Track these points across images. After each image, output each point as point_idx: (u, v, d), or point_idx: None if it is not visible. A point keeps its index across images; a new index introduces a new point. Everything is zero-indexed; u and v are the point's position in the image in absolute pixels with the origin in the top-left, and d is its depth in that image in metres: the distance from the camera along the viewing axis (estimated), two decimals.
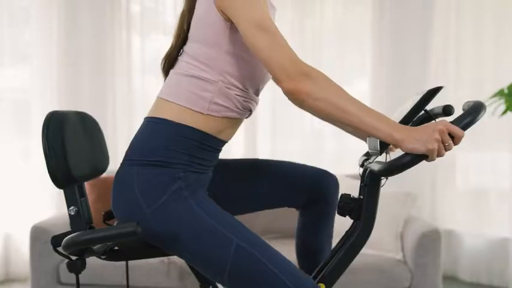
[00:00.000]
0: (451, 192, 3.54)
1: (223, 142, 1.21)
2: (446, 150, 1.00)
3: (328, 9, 3.73)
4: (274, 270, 1.05)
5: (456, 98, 3.40)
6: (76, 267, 1.03)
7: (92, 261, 2.27)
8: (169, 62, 1.22)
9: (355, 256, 1.20)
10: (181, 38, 1.19)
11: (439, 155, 1.00)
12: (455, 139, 1.00)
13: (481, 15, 3.40)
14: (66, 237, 0.99)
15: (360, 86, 3.76)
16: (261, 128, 3.59)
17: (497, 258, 3.30)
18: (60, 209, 3.50)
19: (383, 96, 3.57)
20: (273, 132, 3.61)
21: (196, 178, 1.15)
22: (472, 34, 3.43)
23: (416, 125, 1.19)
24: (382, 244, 2.43)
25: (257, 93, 1.24)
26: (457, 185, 3.53)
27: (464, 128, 1.00)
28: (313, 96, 1.03)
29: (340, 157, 3.54)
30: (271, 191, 1.37)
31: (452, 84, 3.46)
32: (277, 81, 1.07)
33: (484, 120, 2.79)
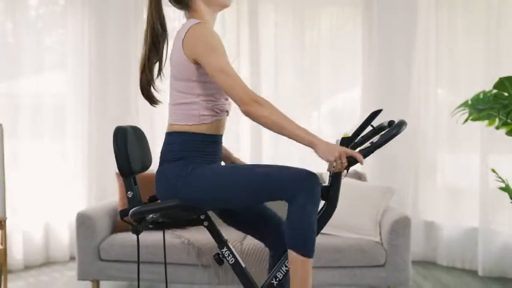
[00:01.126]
0: (431, 189, 4.00)
1: (218, 135, 1.76)
2: (342, 166, 1.53)
3: (323, 27, 4.20)
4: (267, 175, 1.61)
5: (436, 98, 3.93)
6: (138, 230, 1.55)
7: (129, 242, 2.78)
8: (146, 92, 1.78)
9: (326, 222, 1.68)
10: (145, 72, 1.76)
11: (338, 168, 1.53)
12: (357, 160, 1.53)
13: (455, 32, 3.86)
14: (132, 209, 1.50)
15: (353, 93, 4.21)
16: (265, 134, 4.06)
17: (468, 246, 3.76)
18: (90, 202, 4.03)
19: (372, 102, 4.02)
20: (275, 138, 4.07)
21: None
22: (448, 48, 3.89)
23: (368, 137, 1.69)
24: (363, 229, 2.91)
25: (227, 99, 1.78)
26: (436, 182, 3.99)
27: (365, 155, 1.52)
28: (259, 115, 1.55)
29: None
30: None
31: (432, 89, 3.95)
32: (237, 105, 1.60)
33: (459, 126, 3.30)
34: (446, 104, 3.88)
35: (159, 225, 1.69)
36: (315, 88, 4.17)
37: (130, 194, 1.65)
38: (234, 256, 1.72)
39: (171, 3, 1.80)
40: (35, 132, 3.87)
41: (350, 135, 1.63)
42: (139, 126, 3.94)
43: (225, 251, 1.73)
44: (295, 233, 1.57)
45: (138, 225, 1.56)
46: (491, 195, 3.52)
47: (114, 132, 1.63)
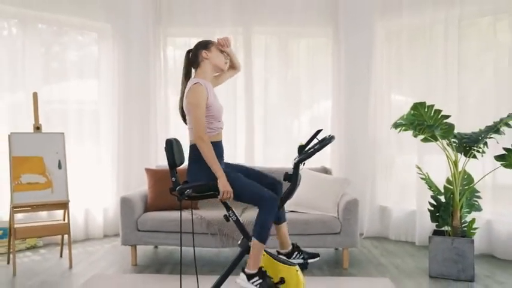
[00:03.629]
0: (385, 181, 5.12)
1: (219, 141, 2.79)
2: (224, 195, 2.61)
3: (302, 53, 5.35)
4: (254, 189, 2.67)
5: (389, 112, 5.04)
6: (181, 197, 2.67)
7: (156, 218, 3.90)
8: (181, 113, 2.86)
9: (290, 197, 2.79)
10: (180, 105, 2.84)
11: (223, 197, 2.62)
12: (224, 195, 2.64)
13: (401, 55, 4.96)
14: (178, 187, 2.63)
15: (325, 105, 5.36)
16: (257, 140, 5.20)
17: (409, 224, 4.91)
18: (119, 193, 5.13)
19: (340, 111, 5.16)
20: (265, 144, 5.24)
21: None
22: (396, 68, 5.01)
23: (314, 149, 2.80)
24: (326, 208, 4.05)
25: (219, 121, 2.79)
26: (388, 176, 5.10)
27: (304, 159, 2.66)
28: (199, 145, 2.61)
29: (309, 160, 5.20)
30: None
31: (386, 106, 5.07)
32: (194, 135, 2.64)
33: (405, 134, 4.39)
34: (396, 116, 5.02)
35: (189, 198, 2.79)
36: (296, 100, 5.32)
37: (173, 179, 2.76)
38: (235, 215, 2.83)
39: (190, 64, 2.87)
40: (77, 136, 4.97)
41: (304, 144, 2.76)
42: (156, 130, 5.14)
43: (230, 213, 2.84)
44: (257, 228, 2.64)
45: (180, 196, 2.68)
46: (425, 186, 4.65)
47: (166, 141, 2.74)
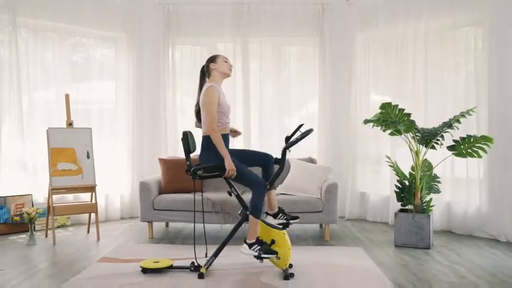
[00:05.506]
0: (363, 170, 5.89)
1: (227, 133, 3.53)
2: (229, 174, 3.32)
3: (292, 59, 6.12)
4: (251, 176, 3.42)
5: (372, 103, 5.83)
6: (194, 176, 3.45)
7: (169, 199, 4.70)
8: (197, 115, 3.63)
9: (278, 175, 3.57)
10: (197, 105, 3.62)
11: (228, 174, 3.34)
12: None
13: (377, 61, 5.77)
14: (192, 168, 3.42)
15: (312, 105, 6.12)
16: (253, 131, 5.98)
17: (384, 206, 5.71)
18: (134, 181, 5.92)
19: (326, 110, 5.92)
20: (260, 133, 6.03)
21: None
22: (374, 74, 5.80)
23: (296, 139, 3.58)
24: (311, 191, 4.83)
25: (228, 116, 3.53)
26: (368, 167, 5.88)
27: (288, 147, 3.45)
28: (211, 134, 3.34)
29: (298, 148, 5.98)
30: (250, 161, 3.73)
31: (365, 105, 5.87)
32: (205, 127, 3.41)
33: (381, 131, 5.20)
34: (373, 113, 5.79)
35: (200, 177, 3.55)
36: (287, 101, 6.10)
37: (188, 162, 3.54)
38: (236, 191, 3.61)
39: (204, 75, 3.65)
40: (98, 131, 5.74)
41: (289, 135, 3.54)
42: (166, 125, 5.93)
43: (233, 189, 3.61)
44: (252, 206, 3.35)
45: (194, 175, 3.46)
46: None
47: (183, 133, 3.50)
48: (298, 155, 5.38)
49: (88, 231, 5.03)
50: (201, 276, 3.40)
